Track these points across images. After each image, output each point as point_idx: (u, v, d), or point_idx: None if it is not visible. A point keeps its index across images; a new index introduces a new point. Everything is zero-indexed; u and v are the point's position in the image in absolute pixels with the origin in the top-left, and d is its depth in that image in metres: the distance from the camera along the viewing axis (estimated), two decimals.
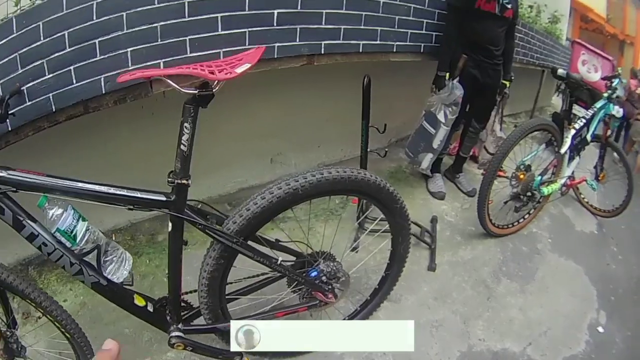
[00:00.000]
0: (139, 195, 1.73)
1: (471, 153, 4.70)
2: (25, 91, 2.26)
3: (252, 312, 2.26)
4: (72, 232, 1.76)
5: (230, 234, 1.86)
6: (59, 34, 2.24)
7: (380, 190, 2.16)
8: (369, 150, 3.01)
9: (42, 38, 2.22)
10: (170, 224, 1.81)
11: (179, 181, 1.72)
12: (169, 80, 1.60)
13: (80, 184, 1.69)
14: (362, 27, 3.23)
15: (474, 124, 4.22)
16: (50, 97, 2.33)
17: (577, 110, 6.36)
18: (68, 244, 1.76)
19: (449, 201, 4.32)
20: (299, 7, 2.84)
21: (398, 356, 2.62)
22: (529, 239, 4.05)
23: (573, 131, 3.99)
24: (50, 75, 2.30)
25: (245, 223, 1.88)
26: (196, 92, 1.63)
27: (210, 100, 1.68)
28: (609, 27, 24.54)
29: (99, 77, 2.39)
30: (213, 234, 1.86)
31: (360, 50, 3.31)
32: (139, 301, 2.00)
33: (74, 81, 2.36)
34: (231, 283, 2.13)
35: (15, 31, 2.18)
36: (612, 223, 4.87)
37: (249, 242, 1.97)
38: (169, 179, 1.74)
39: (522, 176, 3.71)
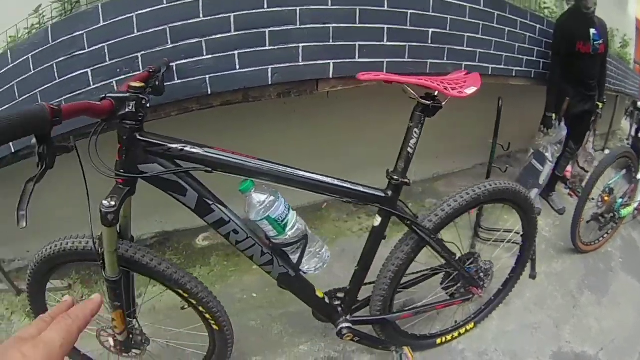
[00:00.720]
0: (360, 189, 1.88)
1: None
2: (174, 68, 2.32)
3: (412, 305, 2.52)
4: (283, 221, 1.76)
5: (428, 230, 2.07)
6: (223, 15, 2.33)
7: (526, 200, 2.45)
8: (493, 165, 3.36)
9: (201, 15, 2.29)
10: (379, 218, 1.99)
11: (401, 180, 1.90)
12: (409, 89, 1.80)
13: (300, 172, 1.74)
14: (492, 51, 3.58)
15: (570, 145, 4.45)
16: (207, 79, 2.41)
17: None
18: (272, 233, 1.78)
19: (543, 217, 4.60)
20: (447, 29, 3.14)
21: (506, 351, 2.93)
22: (605, 257, 4.28)
23: None
24: (209, 56, 2.38)
25: (440, 222, 2.12)
26: (430, 103, 1.82)
27: (437, 112, 1.87)
28: None
29: (267, 67, 2.51)
30: (418, 230, 2.07)
31: (490, 73, 3.64)
32: (319, 293, 2.14)
33: (237, 67, 2.44)
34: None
35: (165, 2, 2.22)
36: None
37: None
38: (390, 177, 1.92)
39: (606, 198, 3.99)
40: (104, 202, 1.47)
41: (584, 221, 4.03)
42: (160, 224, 3.66)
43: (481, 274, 2.55)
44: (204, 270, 3.42)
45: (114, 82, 2.29)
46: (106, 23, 2.22)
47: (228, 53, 2.40)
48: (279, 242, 1.82)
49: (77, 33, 2.23)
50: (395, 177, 1.90)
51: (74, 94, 2.30)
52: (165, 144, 1.56)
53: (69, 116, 1.15)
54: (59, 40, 2.24)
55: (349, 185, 1.85)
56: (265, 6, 2.41)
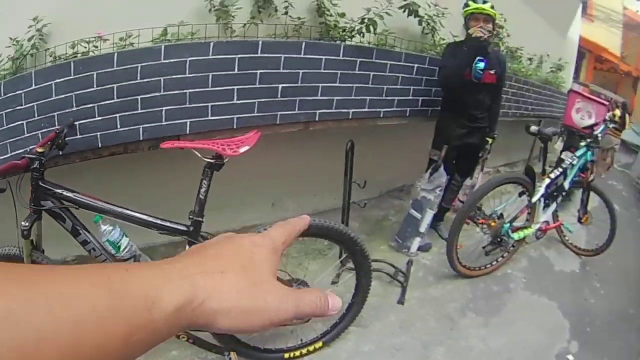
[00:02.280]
0: (168, 224, 2.39)
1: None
2: (77, 126, 2.84)
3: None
4: (117, 243, 2.40)
5: None
6: (108, 86, 2.86)
7: (342, 235, 2.76)
8: (352, 201, 3.56)
9: (94, 86, 2.82)
10: (187, 247, 2.38)
11: (197, 218, 2.38)
12: (196, 153, 2.29)
13: (128, 211, 2.34)
14: (352, 97, 3.82)
15: (456, 178, 4.63)
16: (98, 135, 2.94)
17: (566, 156, 6.70)
18: (113, 252, 2.39)
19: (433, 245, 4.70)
20: (299, 82, 3.46)
21: None
22: (502, 279, 4.40)
23: (547, 180, 4.36)
24: (100, 118, 2.91)
25: None
26: (213, 161, 2.31)
27: (221, 168, 2.33)
28: (623, 66, 24.55)
29: (139, 126, 3.01)
30: None
31: (350, 117, 3.93)
32: None
33: (118, 126, 2.97)
34: None
35: (72, 74, 2.76)
36: (599, 261, 5.20)
37: None
38: (190, 216, 2.40)
39: (493, 224, 4.12)
40: (22, 222, 2.22)
41: (472, 246, 4.23)
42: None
43: None
44: None
45: (39, 134, 2.86)
46: (36, 87, 2.79)
47: (112, 115, 2.94)
48: (119, 258, 2.42)
49: (18, 92, 2.83)
50: (191, 216, 2.39)
51: (14, 139, 2.91)
52: (53, 189, 2.25)
53: (5, 173, 2.17)
54: (7, 95, 2.85)
55: (160, 221, 2.38)
56: (138, 78, 2.92)
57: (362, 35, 3.75)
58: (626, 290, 5.07)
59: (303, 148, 4.19)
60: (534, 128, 4.42)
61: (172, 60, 2.93)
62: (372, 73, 3.92)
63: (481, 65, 3.97)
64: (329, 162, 3.94)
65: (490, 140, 4.52)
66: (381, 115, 4.18)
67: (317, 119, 3.72)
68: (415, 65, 4.28)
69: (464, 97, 4.17)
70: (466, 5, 4.04)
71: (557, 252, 5.27)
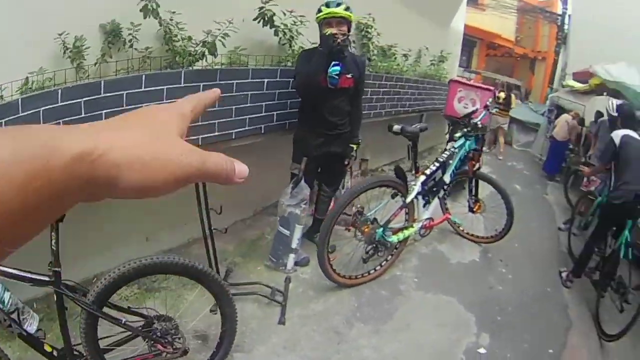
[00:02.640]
0: (29, 275, 2.26)
1: None
2: None
3: None
4: (1, 298, 2.30)
5: (89, 302, 2.38)
6: (55, 122, 2.75)
7: (187, 268, 2.64)
8: (213, 228, 3.34)
9: (41, 122, 2.74)
10: (55, 296, 2.36)
11: (55, 269, 2.28)
12: None
13: None
14: (199, 123, 3.58)
15: (324, 189, 4.53)
16: None
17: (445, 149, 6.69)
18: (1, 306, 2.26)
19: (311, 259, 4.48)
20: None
21: None
22: (390, 283, 4.30)
23: (423, 177, 4.34)
24: None
25: (101, 294, 2.44)
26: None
27: (63, 219, 2.10)
28: (518, 49, 25.58)
29: None
30: (77, 302, 2.39)
31: (200, 144, 3.61)
32: (48, 348, 2.48)
33: None
34: (103, 338, 2.60)
35: (20, 111, 2.69)
36: (503, 245, 5.26)
37: (108, 309, 2.52)
38: (48, 267, 2.29)
39: (366, 229, 4.05)
40: None
41: (353, 254, 4.14)
42: None
43: (158, 334, 2.69)
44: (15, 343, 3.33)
45: None
46: None
47: None
48: (6, 311, 2.30)
49: None
50: (49, 267, 2.30)
51: None
52: None
53: None
54: None
55: (21, 273, 2.25)
56: (83, 113, 2.96)
57: (204, 59, 3.57)
58: (539, 269, 5.21)
59: None
60: (396, 127, 4.32)
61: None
62: (228, 95, 3.79)
63: (336, 69, 3.89)
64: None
65: (354, 147, 4.39)
66: (233, 137, 4.00)
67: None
68: (266, 80, 4.15)
69: (321, 104, 4.03)
70: (319, 10, 3.94)
71: (452, 245, 5.28)
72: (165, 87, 3.33)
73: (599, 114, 9.30)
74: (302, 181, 4.04)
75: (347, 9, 3.88)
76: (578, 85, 10.87)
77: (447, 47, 8.78)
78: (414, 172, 4.49)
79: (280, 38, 4.32)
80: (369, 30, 5.73)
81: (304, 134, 4.19)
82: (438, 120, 8.01)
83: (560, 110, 11.76)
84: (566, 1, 19.53)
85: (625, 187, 4.46)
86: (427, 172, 4.39)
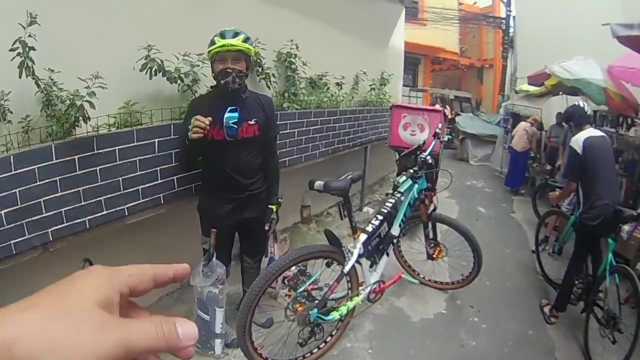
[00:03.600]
0: None
1: None
2: None
3: None
4: None
5: None
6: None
7: None
8: None
9: None
10: None
11: None
12: None
13: None
14: (83, 203, 2.99)
15: (246, 260, 3.77)
16: None
17: (385, 199, 6.04)
18: None
19: None
20: (19, 203, 2.67)
21: None
22: (340, 358, 3.65)
23: (364, 237, 3.61)
24: None
25: None
26: None
27: None
28: (463, 60, 25.63)
29: None
30: None
31: (88, 227, 3.05)
32: None
33: None
34: None
35: None
36: (473, 285, 4.67)
37: None
38: None
39: (299, 307, 3.34)
40: None
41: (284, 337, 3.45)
42: None
43: None
44: None
45: None
46: None
47: None
48: None
49: None
50: None
51: None
52: None
53: None
54: None
55: None
56: None
57: (78, 126, 2.89)
58: (516, 308, 4.69)
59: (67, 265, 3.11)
60: (318, 184, 3.54)
61: None
62: (97, 168, 3.01)
63: (234, 116, 3.17)
64: None
65: (274, 207, 3.65)
66: (126, 213, 3.25)
67: (51, 238, 2.85)
68: (156, 141, 3.37)
69: (222, 161, 3.27)
70: (211, 42, 3.11)
71: (413, 297, 4.68)
72: (36, 166, 2.70)
73: (560, 116, 8.92)
74: (214, 258, 3.27)
75: (246, 40, 3.11)
76: (533, 88, 10.36)
77: (388, 68, 8.20)
78: (352, 232, 3.72)
79: (178, 85, 3.61)
80: (293, 60, 5.00)
81: (209, 200, 3.44)
82: (384, 145, 7.38)
83: (516, 117, 11.44)
84: (509, 3, 19.22)
85: (600, 202, 3.99)
86: (369, 229, 3.71)
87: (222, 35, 3.07)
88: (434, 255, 4.57)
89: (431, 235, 4.57)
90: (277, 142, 3.80)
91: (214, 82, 3.22)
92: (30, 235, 2.75)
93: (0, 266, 2.62)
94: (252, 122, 3.25)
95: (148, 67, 3.32)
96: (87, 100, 2.76)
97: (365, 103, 7.07)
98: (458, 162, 13.61)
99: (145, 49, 3.27)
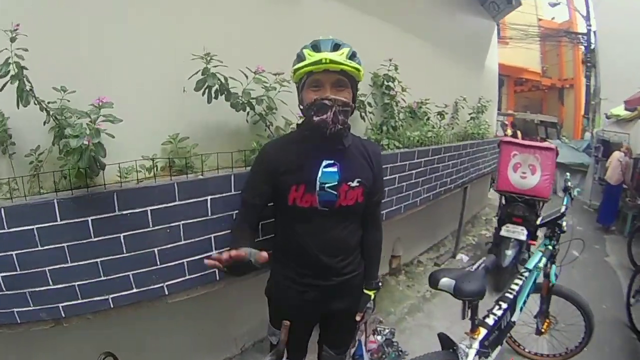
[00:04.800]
0: None
1: None
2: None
3: None
4: None
5: None
6: None
7: None
8: None
9: None
10: None
11: None
12: None
13: None
14: (103, 278, 2.18)
15: (327, 350, 2.58)
16: None
17: (509, 230, 5.05)
18: None
19: None
20: (18, 269, 2.04)
21: None
22: None
23: (483, 333, 2.77)
24: None
25: None
26: None
27: None
28: (545, 80, 24.41)
29: None
30: None
31: (112, 306, 2.25)
32: None
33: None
34: None
35: None
36: None
37: None
38: None
39: None
40: None
41: None
42: None
43: None
44: None
45: None
46: None
47: None
48: None
49: None
50: None
51: None
52: None
53: None
54: None
55: None
56: None
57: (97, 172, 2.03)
58: None
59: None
60: (445, 283, 2.51)
61: None
62: (122, 235, 2.12)
63: (332, 175, 2.05)
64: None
65: (371, 294, 2.47)
66: (166, 292, 2.34)
67: (63, 314, 2.16)
68: (209, 198, 2.35)
69: (308, 237, 2.15)
70: (299, 58, 1.99)
71: None
72: (35, 227, 1.98)
73: None
74: (285, 357, 2.13)
75: (352, 56, 1.96)
76: (625, 113, 9.37)
77: (484, 93, 7.12)
78: (470, 330, 2.75)
79: (247, 114, 2.60)
80: (391, 84, 3.89)
81: (282, 284, 2.30)
82: (481, 181, 6.60)
83: (606, 145, 10.17)
84: (589, 17, 17.62)
85: None
86: (490, 322, 2.85)
87: (316, 47, 1.95)
88: (543, 330, 3.70)
89: (544, 308, 3.70)
90: None
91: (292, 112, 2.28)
92: (36, 307, 2.10)
93: (6, 330, 2.10)
94: (356, 184, 2.12)
95: (206, 85, 2.35)
96: (95, 143, 1.81)
97: (465, 135, 5.96)
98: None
99: (201, 58, 2.32)
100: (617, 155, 8.66)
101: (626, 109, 9.08)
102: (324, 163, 2.03)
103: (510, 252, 5.11)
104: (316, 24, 3.14)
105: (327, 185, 2.03)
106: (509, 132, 11.70)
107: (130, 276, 2.18)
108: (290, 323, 1.98)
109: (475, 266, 2.72)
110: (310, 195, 2.04)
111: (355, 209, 2.15)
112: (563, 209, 3.66)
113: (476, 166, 6.26)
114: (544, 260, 3.42)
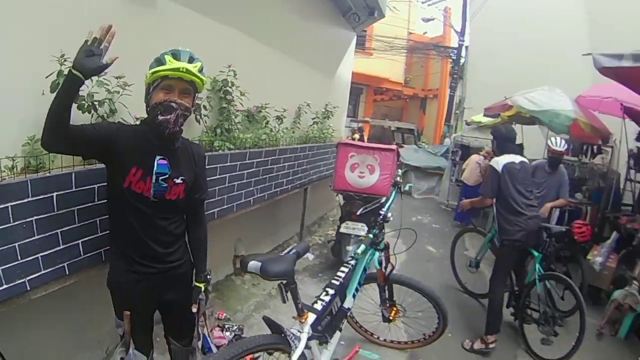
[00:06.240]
0: None
1: None
2: None
3: None
4: None
5: None
6: None
7: None
8: None
9: None
10: None
11: None
12: None
13: None
14: None
15: (173, 342, 2.96)
16: None
17: (348, 227, 5.55)
18: None
19: None
20: None
21: None
22: None
23: (312, 318, 3.03)
24: None
25: None
26: None
27: None
28: (407, 90, 25.72)
29: None
30: None
31: None
32: None
33: None
34: None
35: None
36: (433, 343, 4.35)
37: None
38: None
39: None
40: None
41: None
42: None
43: None
44: None
45: None
46: None
47: None
48: None
49: None
50: None
51: None
52: None
53: None
54: None
55: None
56: None
57: None
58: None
59: None
60: (253, 265, 2.71)
61: None
62: None
63: (164, 170, 2.43)
64: None
65: (202, 286, 2.82)
66: (28, 288, 2.48)
67: None
68: (55, 194, 2.55)
69: (140, 225, 2.47)
70: (158, 62, 2.35)
71: None
72: None
73: (520, 149, 8.74)
74: (132, 348, 2.60)
75: (201, 70, 2.40)
76: (486, 119, 10.30)
77: (333, 100, 7.75)
78: (297, 314, 3.00)
79: (92, 116, 2.87)
80: (229, 89, 4.27)
81: (119, 274, 2.59)
82: (325, 183, 7.01)
83: (466, 150, 11.26)
84: (463, 33, 19.51)
85: (516, 220, 4.48)
86: (318, 307, 3.14)
87: (176, 56, 2.33)
88: (390, 317, 4.13)
89: (387, 297, 4.13)
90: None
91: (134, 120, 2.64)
92: None
93: None
94: (179, 182, 2.51)
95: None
96: None
97: (306, 139, 6.52)
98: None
99: (58, 60, 2.53)
100: (475, 158, 9.65)
101: (485, 115, 9.95)
102: (157, 158, 2.39)
103: (351, 248, 5.52)
104: (159, 31, 3.46)
105: (161, 177, 2.40)
106: (356, 136, 12.38)
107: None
108: (130, 313, 2.49)
109: (286, 251, 2.94)
110: (144, 183, 2.37)
111: (177, 204, 2.55)
112: (383, 200, 4.08)
113: (317, 168, 6.77)
114: (362, 247, 3.52)
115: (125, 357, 2.59)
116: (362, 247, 3.52)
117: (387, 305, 4.13)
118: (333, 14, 7.75)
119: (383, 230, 3.90)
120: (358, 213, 4.53)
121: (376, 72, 22.72)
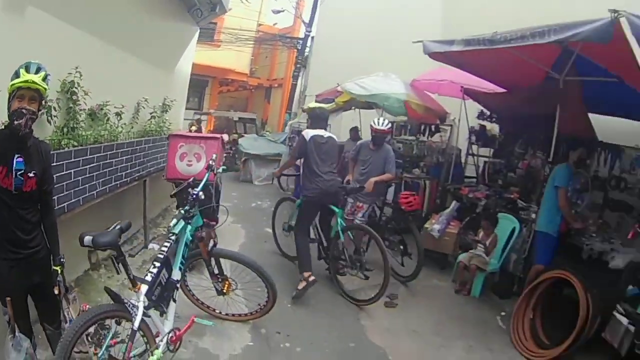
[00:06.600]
0: None
1: None
2: None
3: None
4: None
5: None
6: None
7: None
8: None
9: None
10: None
11: None
12: None
13: None
14: None
15: (47, 327, 3.47)
16: None
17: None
18: None
19: None
20: None
21: None
22: None
23: (144, 288, 3.46)
24: None
25: None
26: None
27: None
28: (252, 80, 26.25)
29: None
30: None
31: None
32: None
33: None
34: None
35: None
36: (274, 314, 4.81)
37: None
38: None
39: None
40: None
41: None
42: None
43: None
44: None
45: None
46: None
47: None
48: None
49: None
50: None
51: None
52: None
53: None
54: None
55: None
56: None
57: None
58: (328, 325, 5.10)
59: None
60: (87, 240, 3.22)
61: None
62: None
63: (20, 165, 2.96)
64: None
65: (58, 269, 3.30)
66: None
67: None
68: None
69: (8, 216, 3.00)
70: (16, 75, 2.88)
71: (215, 336, 4.54)
72: None
73: (355, 131, 10.02)
74: (17, 331, 3.06)
75: (45, 78, 2.96)
76: (319, 105, 10.74)
77: (171, 93, 8.20)
78: (131, 285, 3.49)
79: None
80: (75, 89, 4.54)
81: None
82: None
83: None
84: (311, 24, 20.11)
85: (317, 180, 5.81)
86: (148, 279, 3.54)
87: (27, 69, 2.89)
88: (224, 290, 4.60)
89: (216, 271, 4.60)
90: (55, 185, 3.64)
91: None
92: None
93: None
94: (32, 175, 3.04)
95: None
96: None
97: (144, 133, 6.92)
98: (242, 184, 13.81)
99: None
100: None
101: (317, 102, 10.46)
102: (16, 156, 2.94)
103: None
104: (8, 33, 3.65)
105: (19, 172, 2.95)
106: (194, 128, 12.83)
107: None
108: (10, 299, 3.03)
109: (111, 227, 3.36)
110: (7, 179, 2.91)
111: (32, 195, 3.11)
112: (191, 180, 4.40)
113: (154, 161, 7.18)
114: (174, 221, 3.96)
115: (14, 339, 3.02)
116: (174, 221, 3.99)
117: (219, 279, 4.57)
118: (178, 10, 8.10)
119: (196, 208, 4.17)
120: (171, 194, 4.90)
121: (222, 64, 23.05)
